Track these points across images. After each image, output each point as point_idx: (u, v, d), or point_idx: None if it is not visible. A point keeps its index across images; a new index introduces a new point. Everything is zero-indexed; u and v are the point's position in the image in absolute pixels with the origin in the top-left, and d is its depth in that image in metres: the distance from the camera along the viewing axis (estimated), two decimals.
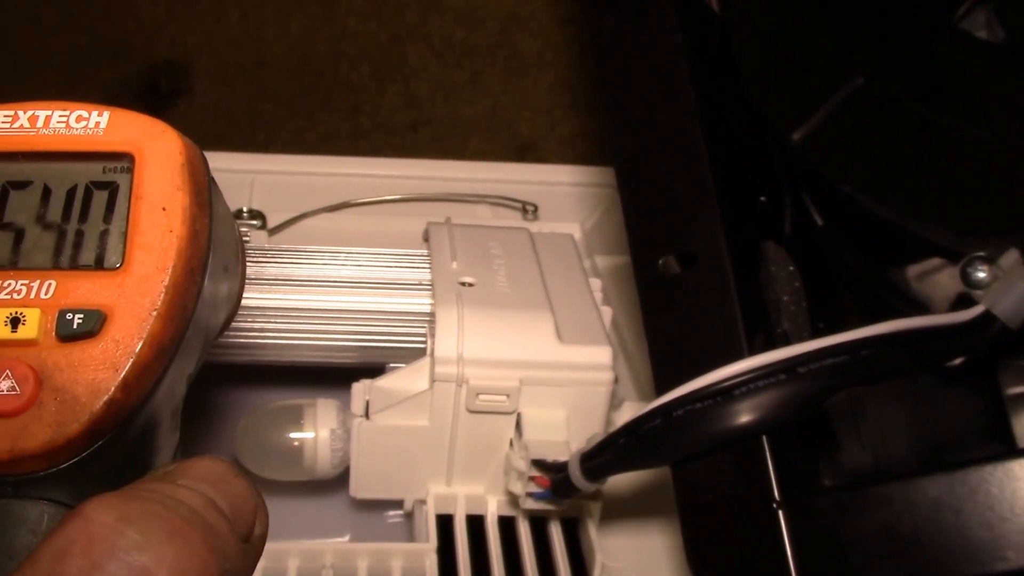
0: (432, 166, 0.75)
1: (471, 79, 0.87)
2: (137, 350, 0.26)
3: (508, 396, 0.46)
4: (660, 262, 0.42)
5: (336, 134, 0.88)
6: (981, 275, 0.39)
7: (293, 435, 0.47)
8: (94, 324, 0.26)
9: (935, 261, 0.46)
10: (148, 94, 0.86)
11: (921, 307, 0.46)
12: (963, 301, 0.40)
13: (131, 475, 0.26)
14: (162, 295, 0.27)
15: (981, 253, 0.39)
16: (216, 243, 0.29)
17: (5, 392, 0.25)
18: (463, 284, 0.49)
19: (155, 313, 0.26)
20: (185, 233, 0.27)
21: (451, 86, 0.87)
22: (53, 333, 0.26)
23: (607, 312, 0.51)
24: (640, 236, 0.43)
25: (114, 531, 0.23)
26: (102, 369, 0.26)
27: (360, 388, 0.48)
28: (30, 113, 0.29)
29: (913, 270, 0.47)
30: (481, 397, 0.45)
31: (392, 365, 0.51)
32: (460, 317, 0.46)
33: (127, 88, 0.87)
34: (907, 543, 0.35)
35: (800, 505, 0.37)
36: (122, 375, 0.26)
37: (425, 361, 0.47)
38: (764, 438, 0.38)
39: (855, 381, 0.39)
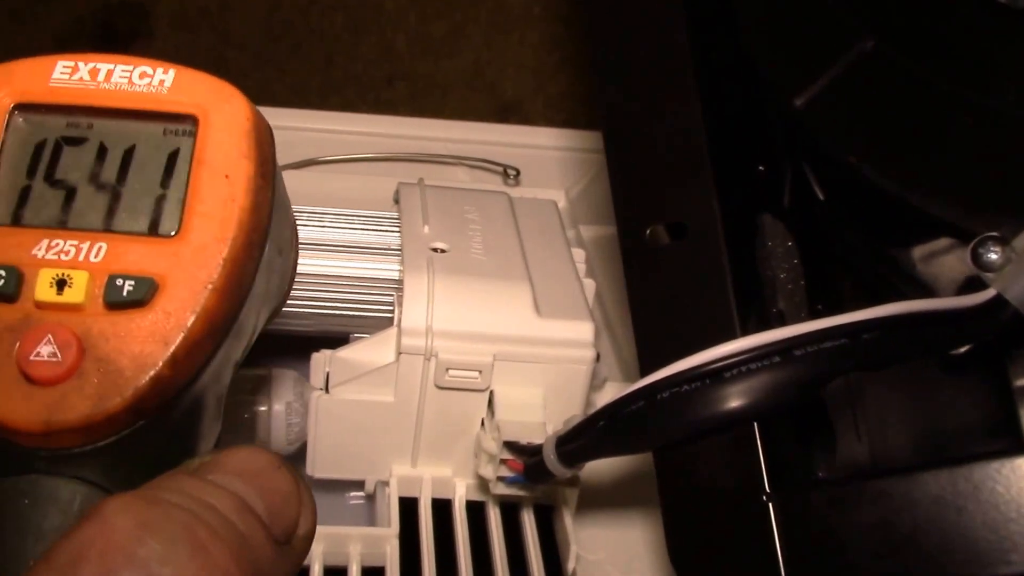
0: (408, 124, 0.74)
1: (452, 32, 0.85)
2: (189, 324, 0.25)
3: (480, 372, 0.44)
4: (647, 231, 0.41)
5: (306, 87, 0.87)
6: (993, 257, 0.38)
7: (244, 407, 0.46)
8: (145, 293, 0.25)
9: (943, 242, 0.45)
10: (103, 36, 0.84)
11: (926, 290, 0.45)
12: (972, 285, 0.39)
13: (169, 462, 0.25)
14: (220, 267, 0.26)
15: (994, 233, 0.38)
16: (276, 221, 0.28)
17: (45, 358, 0.25)
18: (435, 250, 0.48)
19: (211, 286, 0.26)
20: (248, 204, 0.27)
21: (430, 39, 0.85)
22: (101, 299, 0.25)
23: (590, 285, 0.50)
24: (626, 203, 0.42)
25: (133, 539, 0.21)
26: (150, 341, 0.25)
27: (320, 359, 0.46)
28: (91, 66, 0.28)
29: (919, 251, 0.46)
30: (451, 372, 0.44)
31: (355, 336, 0.50)
32: (430, 285, 0.45)
33: (81, 29, 0.85)
34: (905, 542, 0.34)
35: (792, 498, 0.36)
36: (171, 350, 0.25)
37: (391, 332, 0.46)
38: (755, 425, 0.38)
39: (855, 367, 0.38)
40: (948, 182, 0.41)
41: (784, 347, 0.37)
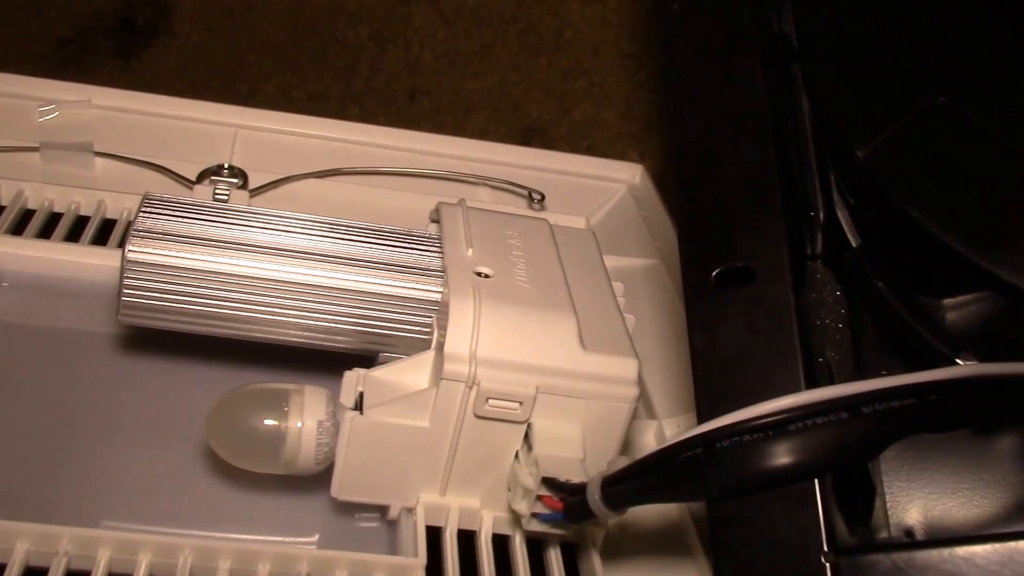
0: (432, 140, 0.73)
1: (480, 51, 0.84)
2: None
3: (521, 404, 0.43)
4: (714, 273, 0.40)
5: (326, 94, 0.85)
6: None
7: (275, 422, 0.44)
8: None
9: (980, 298, 0.44)
10: (122, 29, 0.83)
11: (952, 339, 0.44)
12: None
13: None
14: None
15: None
16: None
17: None
18: (479, 274, 0.46)
19: None
20: None
21: (457, 56, 0.84)
22: None
23: (631, 320, 0.48)
24: (694, 243, 0.41)
25: None
26: None
27: (352, 377, 0.45)
28: None
29: (950, 300, 0.45)
30: (491, 402, 0.43)
31: (385, 355, 0.49)
32: (476, 311, 0.44)
33: (100, 20, 0.83)
34: None
35: (852, 559, 0.35)
36: None
37: (429, 355, 0.45)
38: (815, 481, 0.36)
39: (920, 428, 0.37)
40: (1013, 242, 0.40)
41: (852, 403, 0.36)
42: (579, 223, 0.67)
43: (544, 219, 0.54)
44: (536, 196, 0.70)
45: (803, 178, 0.48)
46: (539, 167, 0.73)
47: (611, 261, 0.67)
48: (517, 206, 0.69)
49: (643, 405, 0.58)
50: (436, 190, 0.69)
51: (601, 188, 0.75)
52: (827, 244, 0.48)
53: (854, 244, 0.48)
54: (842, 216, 0.49)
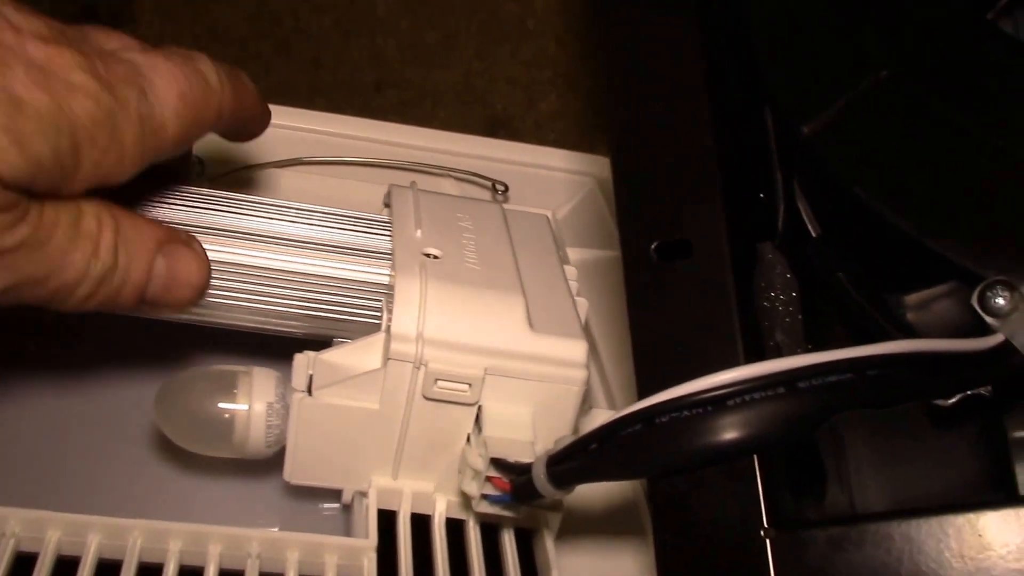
0: (397, 131, 0.72)
1: (444, 40, 0.84)
2: None
3: (470, 385, 0.43)
4: (652, 248, 0.40)
5: (292, 86, 0.85)
6: (1001, 302, 0.37)
7: (224, 405, 0.45)
8: None
9: (938, 288, 0.44)
10: (84, 18, 0.82)
11: (915, 335, 0.45)
12: (965, 333, 0.39)
13: None
14: None
15: (1002, 278, 0.37)
16: None
17: None
18: (427, 255, 0.47)
19: None
20: None
21: (422, 46, 0.84)
22: None
23: (583, 304, 0.49)
24: (631, 219, 0.41)
25: None
26: None
27: (303, 360, 0.45)
28: None
29: (912, 297, 0.45)
30: (440, 384, 0.43)
31: (338, 340, 0.49)
32: (423, 291, 0.44)
33: (62, 9, 0.83)
34: None
35: (790, 535, 0.35)
36: None
37: (379, 336, 0.45)
38: (755, 458, 0.37)
39: (858, 403, 0.37)
40: (959, 221, 0.40)
41: (790, 378, 0.36)
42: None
43: (497, 203, 0.54)
44: (500, 187, 0.70)
45: (759, 163, 0.48)
46: (505, 159, 0.73)
47: (579, 253, 0.67)
48: (482, 197, 0.69)
49: (604, 395, 0.58)
50: (399, 181, 0.68)
51: (569, 181, 0.75)
52: (785, 231, 0.49)
53: (814, 234, 0.49)
54: (802, 206, 0.49)
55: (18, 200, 0.36)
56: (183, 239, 0.43)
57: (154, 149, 0.40)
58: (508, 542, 0.46)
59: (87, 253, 0.39)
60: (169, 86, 0.40)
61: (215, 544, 0.42)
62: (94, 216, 0.39)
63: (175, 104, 0.40)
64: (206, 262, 0.44)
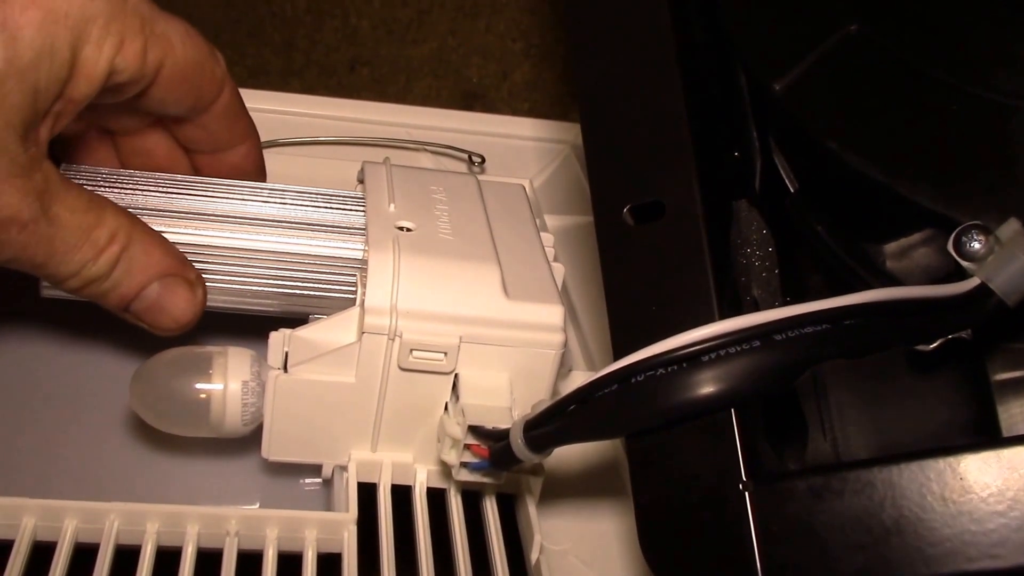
0: (372, 108, 0.72)
1: (417, 17, 0.83)
2: None
3: (446, 354, 0.43)
4: (625, 210, 0.40)
5: (266, 70, 0.84)
6: (976, 246, 0.37)
7: (199, 385, 0.44)
8: None
9: (916, 236, 0.44)
10: None
11: (896, 283, 0.44)
12: (944, 279, 0.38)
13: None
14: None
15: (977, 222, 0.37)
16: None
17: None
18: (400, 228, 0.46)
19: None
20: None
21: (395, 23, 0.83)
22: None
23: (559, 269, 0.48)
24: (603, 182, 0.41)
25: None
26: None
27: (278, 338, 0.44)
28: None
29: (891, 246, 0.45)
30: (415, 354, 0.43)
31: (315, 316, 0.48)
32: (396, 264, 0.43)
33: None
34: (887, 533, 0.33)
35: (769, 487, 0.35)
36: None
37: (354, 311, 0.44)
38: (732, 413, 0.36)
39: (836, 353, 0.37)
40: (931, 169, 0.39)
41: (764, 331, 0.35)
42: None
43: (472, 175, 0.53)
44: (476, 159, 0.69)
45: (735, 120, 0.48)
46: (480, 131, 0.73)
47: (557, 220, 0.67)
48: (459, 170, 0.68)
49: (584, 359, 0.58)
50: (376, 158, 0.68)
51: (544, 149, 0.75)
52: (763, 187, 0.48)
53: (792, 189, 0.48)
54: (779, 161, 0.49)
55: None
56: (189, 278, 0.45)
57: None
58: (490, 509, 0.46)
59: (86, 257, 0.41)
60: None
61: (193, 524, 0.42)
62: (109, 230, 0.41)
63: None
64: (200, 306, 0.45)
